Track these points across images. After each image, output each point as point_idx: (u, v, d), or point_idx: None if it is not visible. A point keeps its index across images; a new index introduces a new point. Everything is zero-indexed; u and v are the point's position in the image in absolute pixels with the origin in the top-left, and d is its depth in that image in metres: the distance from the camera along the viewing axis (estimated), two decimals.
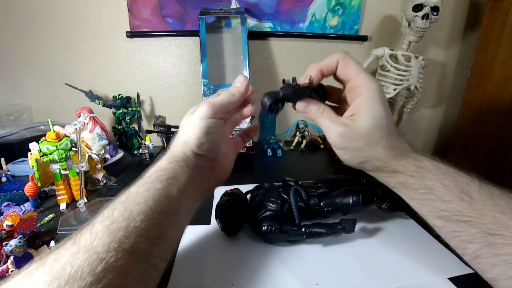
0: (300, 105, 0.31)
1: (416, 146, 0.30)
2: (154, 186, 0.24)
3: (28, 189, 0.47)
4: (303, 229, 0.35)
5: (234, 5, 0.85)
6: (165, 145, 0.87)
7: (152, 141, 0.79)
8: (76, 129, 0.46)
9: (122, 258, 0.19)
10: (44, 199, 0.52)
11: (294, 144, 0.84)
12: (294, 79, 0.30)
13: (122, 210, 0.22)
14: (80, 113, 0.64)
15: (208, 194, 0.33)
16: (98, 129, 0.67)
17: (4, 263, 0.33)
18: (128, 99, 0.85)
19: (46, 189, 0.53)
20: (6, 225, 0.36)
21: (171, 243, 0.25)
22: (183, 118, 0.31)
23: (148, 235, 0.22)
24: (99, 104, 0.81)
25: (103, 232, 0.20)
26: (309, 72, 0.30)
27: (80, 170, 0.48)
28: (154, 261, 0.22)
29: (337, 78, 0.31)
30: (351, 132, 0.28)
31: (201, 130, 0.28)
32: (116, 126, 0.86)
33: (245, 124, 0.46)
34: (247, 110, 0.35)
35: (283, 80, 0.31)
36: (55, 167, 0.48)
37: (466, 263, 0.32)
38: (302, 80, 0.31)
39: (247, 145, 0.74)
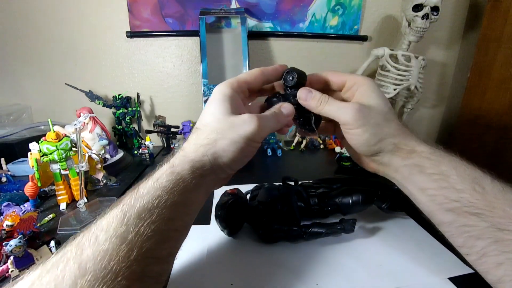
0: (302, 92, 0.30)
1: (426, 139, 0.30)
2: (172, 199, 0.23)
3: (28, 189, 0.47)
4: (303, 229, 0.35)
5: (234, 5, 0.85)
6: (165, 145, 0.87)
7: (152, 141, 0.79)
8: (76, 129, 0.46)
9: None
10: (44, 199, 0.52)
11: (294, 144, 0.84)
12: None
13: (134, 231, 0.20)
14: (80, 113, 0.64)
15: None
16: (98, 129, 0.66)
17: (4, 263, 0.33)
18: (128, 99, 0.85)
19: (46, 189, 0.53)
20: (6, 225, 0.36)
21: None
22: (212, 106, 0.27)
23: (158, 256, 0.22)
24: (99, 104, 0.81)
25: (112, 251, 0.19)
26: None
27: (80, 170, 0.48)
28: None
29: (329, 89, 0.32)
30: (367, 108, 0.27)
31: (243, 153, 0.26)
32: (116, 126, 0.86)
33: None
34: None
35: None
36: (55, 167, 0.48)
37: (467, 264, 0.32)
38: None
39: None
